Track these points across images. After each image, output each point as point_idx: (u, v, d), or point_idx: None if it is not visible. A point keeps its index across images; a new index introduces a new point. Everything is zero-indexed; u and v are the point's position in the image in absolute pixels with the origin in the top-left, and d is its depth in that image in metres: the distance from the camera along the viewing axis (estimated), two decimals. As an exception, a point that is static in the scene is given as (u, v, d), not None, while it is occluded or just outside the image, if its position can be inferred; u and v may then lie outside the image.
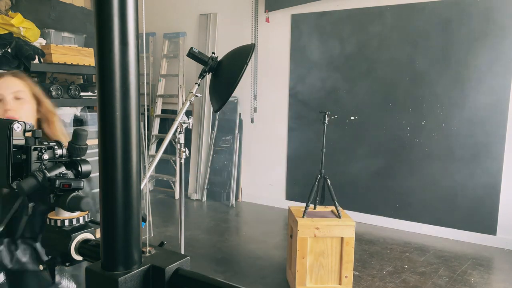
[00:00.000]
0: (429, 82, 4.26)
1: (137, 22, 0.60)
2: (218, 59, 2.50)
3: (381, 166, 4.56)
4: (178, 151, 2.57)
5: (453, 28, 4.12)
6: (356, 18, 4.57)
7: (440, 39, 4.17)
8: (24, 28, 3.83)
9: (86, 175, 0.83)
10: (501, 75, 3.96)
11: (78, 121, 4.52)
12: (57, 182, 0.77)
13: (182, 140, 2.56)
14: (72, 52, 4.25)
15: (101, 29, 0.58)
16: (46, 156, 0.81)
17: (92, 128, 4.34)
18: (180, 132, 2.51)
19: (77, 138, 0.83)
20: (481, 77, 4.04)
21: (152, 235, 4.16)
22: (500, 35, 3.93)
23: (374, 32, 4.49)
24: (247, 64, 2.33)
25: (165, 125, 5.92)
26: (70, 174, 0.81)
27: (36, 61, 3.89)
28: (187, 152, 2.57)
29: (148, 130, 5.85)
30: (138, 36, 0.60)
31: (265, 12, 5.04)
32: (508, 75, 3.93)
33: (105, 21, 0.57)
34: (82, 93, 4.34)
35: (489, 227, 4.09)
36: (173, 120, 2.41)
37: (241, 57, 2.40)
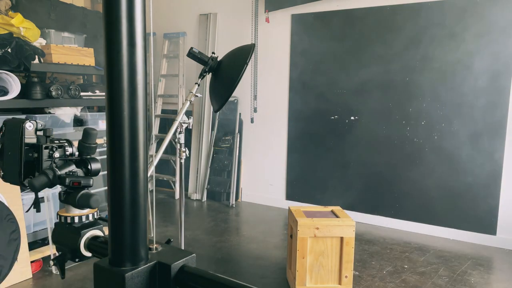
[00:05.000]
0: (429, 82, 4.28)
1: (144, 24, 0.61)
2: (218, 59, 2.51)
3: (381, 166, 4.58)
4: (178, 151, 2.58)
5: (453, 28, 4.13)
6: (356, 18, 4.58)
7: (441, 39, 4.19)
8: (24, 28, 3.84)
9: (96, 173, 0.84)
10: (501, 75, 3.97)
11: (78, 121, 4.53)
12: (67, 180, 0.79)
13: (182, 140, 2.57)
14: (72, 52, 4.26)
15: (110, 31, 0.59)
16: (57, 155, 0.83)
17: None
18: (180, 132, 2.53)
19: (87, 137, 0.85)
20: (481, 77, 4.06)
21: (152, 235, 4.17)
22: (500, 34, 3.95)
23: (374, 32, 4.50)
24: (247, 64, 2.34)
25: (165, 125, 5.93)
26: (80, 172, 0.83)
27: (36, 61, 3.90)
28: (187, 152, 2.58)
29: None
30: (145, 37, 0.61)
31: (265, 12, 5.05)
32: (508, 75, 3.95)
33: (113, 23, 0.59)
34: (82, 93, 4.34)
35: (489, 227, 4.11)
36: (173, 120, 2.42)
37: (241, 57, 2.41)
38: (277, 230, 4.52)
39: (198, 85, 2.50)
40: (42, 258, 3.42)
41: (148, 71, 0.64)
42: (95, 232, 0.78)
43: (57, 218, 0.81)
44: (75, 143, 0.87)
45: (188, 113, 5.54)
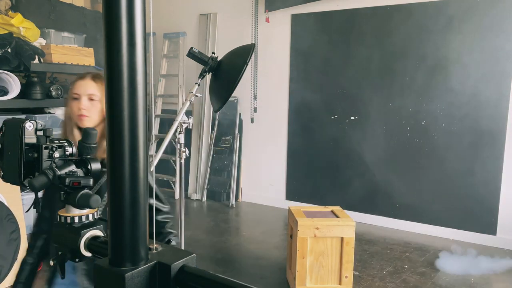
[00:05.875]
0: (429, 82, 4.28)
1: (144, 23, 0.61)
2: (218, 59, 2.51)
3: (381, 166, 4.58)
4: (178, 151, 2.58)
5: (453, 28, 4.13)
6: (356, 18, 4.58)
7: (440, 38, 4.19)
8: (24, 28, 3.84)
9: (96, 173, 0.84)
10: (501, 75, 3.97)
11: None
12: (67, 180, 0.79)
13: (182, 140, 2.57)
14: (72, 52, 4.26)
15: (109, 30, 0.59)
16: (56, 155, 0.83)
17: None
18: (180, 132, 2.52)
19: (87, 137, 0.85)
20: (481, 77, 4.06)
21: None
22: (500, 34, 3.95)
23: (374, 32, 4.50)
24: (247, 64, 2.34)
25: (165, 125, 5.93)
26: (79, 172, 0.83)
27: (36, 61, 3.90)
28: (187, 152, 2.58)
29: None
30: (145, 37, 0.61)
31: (265, 12, 5.05)
32: (508, 74, 3.95)
33: (113, 22, 0.59)
34: (82, 93, 4.34)
35: (489, 227, 4.10)
36: (173, 120, 2.42)
37: (241, 57, 2.41)
38: (277, 230, 4.52)
39: (198, 85, 2.50)
40: (42, 258, 3.41)
41: (148, 71, 0.64)
42: (95, 232, 0.79)
43: (57, 218, 0.81)
44: (75, 143, 0.87)
45: (188, 113, 5.53)
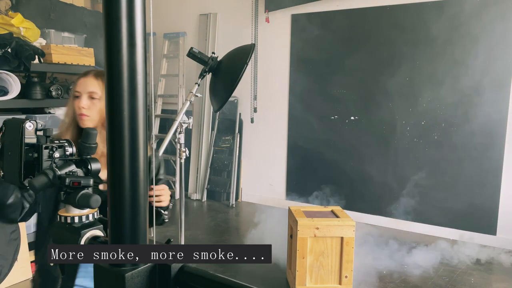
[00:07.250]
0: (429, 82, 4.28)
1: (144, 24, 0.61)
2: (218, 59, 2.51)
3: (381, 166, 4.58)
4: (178, 151, 2.58)
5: (454, 28, 4.13)
6: (356, 18, 4.58)
7: (441, 39, 4.19)
8: (24, 28, 3.83)
9: (96, 173, 0.84)
10: (501, 75, 3.97)
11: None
12: (67, 180, 0.79)
13: (182, 140, 2.57)
14: (72, 52, 4.25)
15: (110, 30, 0.59)
16: (57, 155, 0.84)
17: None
18: (180, 132, 2.52)
19: (87, 137, 0.86)
20: (481, 77, 4.06)
21: (152, 235, 4.17)
22: (500, 35, 3.95)
23: (374, 32, 4.50)
24: (247, 64, 2.34)
25: (165, 125, 5.93)
26: (79, 172, 0.83)
27: (36, 61, 3.89)
28: (187, 152, 2.58)
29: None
30: (145, 37, 0.61)
31: (265, 12, 5.05)
32: (508, 75, 3.94)
33: (113, 22, 0.59)
34: (82, 93, 4.35)
35: (489, 227, 4.10)
36: (173, 120, 2.42)
37: (241, 57, 2.41)
38: (277, 230, 4.51)
39: (198, 85, 2.50)
40: (42, 258, 3.41)
41: (148, 71, 0.64)
42: (95, 232, 0.79)
43: (57, 218, 0.81)
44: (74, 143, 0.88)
45: (188, 113, 5.53)
